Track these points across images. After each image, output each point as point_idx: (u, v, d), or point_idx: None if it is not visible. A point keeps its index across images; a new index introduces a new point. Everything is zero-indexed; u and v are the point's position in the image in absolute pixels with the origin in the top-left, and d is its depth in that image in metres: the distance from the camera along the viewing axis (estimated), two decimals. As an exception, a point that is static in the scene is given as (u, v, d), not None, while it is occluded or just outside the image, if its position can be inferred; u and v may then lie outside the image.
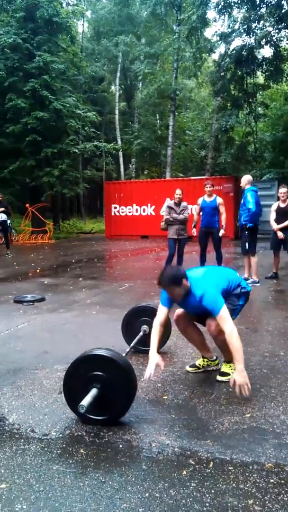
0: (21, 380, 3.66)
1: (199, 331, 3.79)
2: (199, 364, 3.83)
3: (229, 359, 3.52)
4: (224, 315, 3.23)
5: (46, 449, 2.60)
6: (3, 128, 20.71)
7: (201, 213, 8.72)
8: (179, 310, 3.71)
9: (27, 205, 20.30)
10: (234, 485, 2.23)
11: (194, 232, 9.06)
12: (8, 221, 18.81)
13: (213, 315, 3.30)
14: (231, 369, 3.47)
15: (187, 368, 3.84)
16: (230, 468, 2.38)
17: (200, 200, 8.76)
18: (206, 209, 8.59)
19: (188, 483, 2.24)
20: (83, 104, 25.29)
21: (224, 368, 3.65)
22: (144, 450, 2.57)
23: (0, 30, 20.30)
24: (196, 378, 3.66)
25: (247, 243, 8.01)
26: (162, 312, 3.54)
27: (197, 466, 2.40)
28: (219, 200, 8.59)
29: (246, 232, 7.99)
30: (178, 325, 3.76)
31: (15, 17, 20.43)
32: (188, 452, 2.54)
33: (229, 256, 12.23)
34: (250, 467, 2.38)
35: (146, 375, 3.24)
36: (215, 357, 3.85)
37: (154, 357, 3.31)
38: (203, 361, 3.84)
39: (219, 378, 3.60)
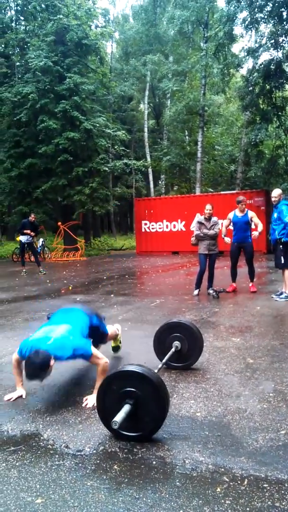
0: (55, 396, 3.71)
1: None
2: None
3: None
4: (95, 353, 3.52)
5: (80, 464, 2.63)
6: (35, 149, 21.28)
7: (230, 227, 8.65)
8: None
9: (59, 223, 20.69)
10: (269, 503, 2.19)
11: (228, 240, 8.77)
12: (42, 240, 19.34)
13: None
14: None
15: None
16: (265, 485, 2.35)
17: (231, 215, 8.68)
18: (238, 224, 8.51)
19: (223, 500, 2.22)
20: (113, 123, 25.72)
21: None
22: (177, 467, 2.56)
23: (31, 54, 20.99)
24: (229, 395, 3.63)
25: (282, 257, 7.87)
26: (16, 358, 3.64)
27: (231, 483, 2.37)
28: (251, 213, 8.52)
29: (281, 246, 7.86)
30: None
31: (46, 41, 21.09)
32: (222, 469, 2.52)
33: (261, 271, 12.09)
34: (286, 485, 2.34)
35: (6, 398, 3.67)
36: None
37: (20, 390, 3.74)
38: None
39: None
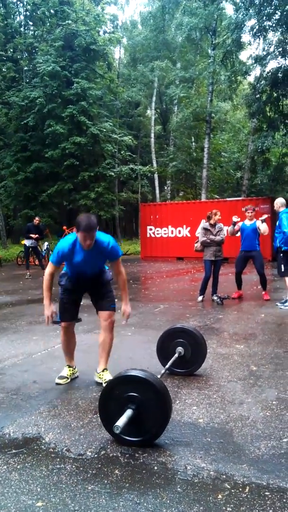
0: (57, 399, 3.71)
1: (75, 340, 4.28)
2: (68, 375, 4.14)
3: (103, 368, 4.02)
4: (120, 260, 4.04)
5: (81, 468, 2.62)
6: (42, 153, 21.39)
7: (238, 234, 8.61)
8: (67, 324, 4.23)
9: (64, 227, 20.73)
10: (271, 511, 2.18)
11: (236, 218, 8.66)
12: (46, 243, 19.36)
13: (115, 258, 4.06)
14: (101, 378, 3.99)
15: (57, 380, 4.07)
16: (266, 493, 2.33)
17: (240, 223, 8.61)
18: (246, 231, 8.44)
19: (224, 508, 2.21)
20: (119, 129, 25.80)
21: (99, 376, 4.02)
22: (179, 473, 2.55)
23: (40, 59, 21.14)
24: (232, 402, 3.61)
25: (282, 265, 7.89)
26: (52, 268, 4.25)
27: (232, 491, 2.36)
28: (259, 222, 8.43)
29: (281, 255, 7.89)
30: (67, 333, 4.18)
31: (54, 46, 21.23)
32: (224, 476, 2.50)
33: (267, 278, 12.03)
34: (288, 494, 2.33)
35: (46, 321, 4.15)
36: (75, 366, 4.25)
37: (49, 307, 4.31)
38: (70, 370, 4.17)
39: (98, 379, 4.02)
